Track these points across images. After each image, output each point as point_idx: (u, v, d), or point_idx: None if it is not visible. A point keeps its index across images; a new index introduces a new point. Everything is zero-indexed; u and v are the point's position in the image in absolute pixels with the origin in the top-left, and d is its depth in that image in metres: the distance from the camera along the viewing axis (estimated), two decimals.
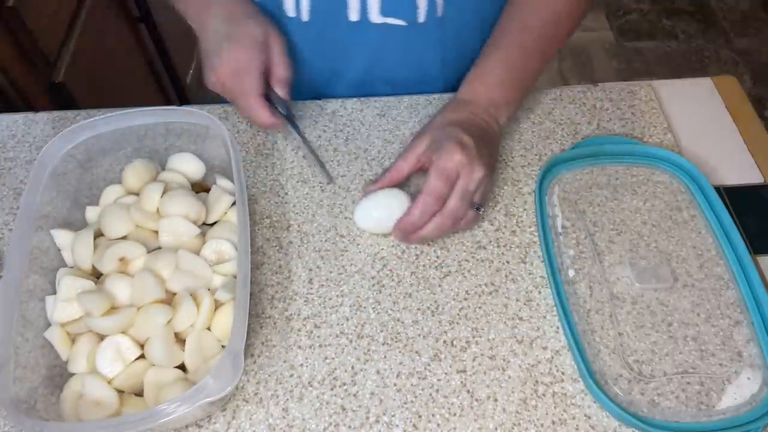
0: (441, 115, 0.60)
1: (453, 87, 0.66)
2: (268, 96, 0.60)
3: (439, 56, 0.71)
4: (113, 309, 0.50)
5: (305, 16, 0.65)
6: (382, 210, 0.57)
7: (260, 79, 0.59)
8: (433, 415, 0.49)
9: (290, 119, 0.62)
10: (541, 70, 0.64)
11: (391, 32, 0.66)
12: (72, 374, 0.50)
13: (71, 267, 0.55)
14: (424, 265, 0.57)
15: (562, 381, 0.51)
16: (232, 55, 0.58)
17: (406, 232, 0.55)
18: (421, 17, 0.65)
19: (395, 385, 0.51)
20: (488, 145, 0.57)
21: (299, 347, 0.53)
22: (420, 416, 0.49)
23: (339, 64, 0.71)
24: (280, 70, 0.60)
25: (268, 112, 0.59)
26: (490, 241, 0.59)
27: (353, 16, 0.65)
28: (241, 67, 0.58)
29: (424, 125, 0.61)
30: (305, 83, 0.73)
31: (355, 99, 0.70)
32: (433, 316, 0.54)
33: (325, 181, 0.63)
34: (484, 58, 0.63)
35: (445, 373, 0.51)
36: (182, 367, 0.49)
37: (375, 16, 0.65)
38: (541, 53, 0.63)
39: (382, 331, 0.54)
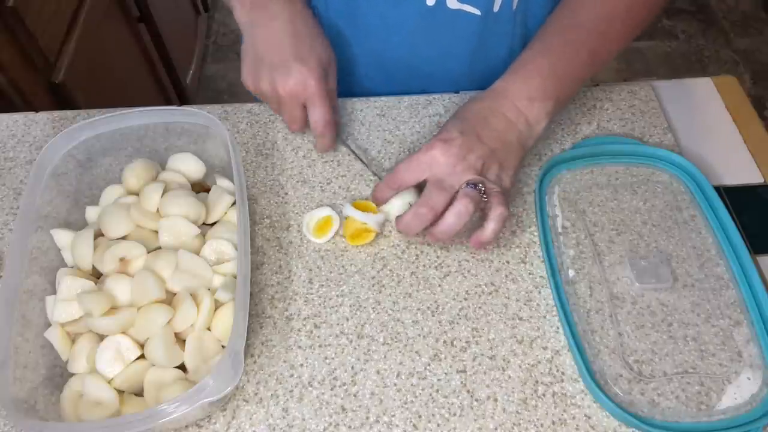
0: (462, 106, 0.58)
1: None
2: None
3: (506, 49, 0.70)
4: (113, 309, 0.50)
5: None
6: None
7: (327, 105, 0.59)
8: (433, 415, 0.49)
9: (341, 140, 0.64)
10: (591, 67, 0.60)
11: (463, 20, 0.66)
12: (72, 374, 0.50)
13: (71, 267, 0.55)
14: (424, 265, 0.57)
15: (562, 381, 0.51)
16: (299, 76, 0.57)
17: (408, 233, 0.55)
18: (496, 7, 0.65)
19: (395, 385, 0.51)
20: (492, 142, 0.54)
21: (299, 347, 0.53)
22: (420, 416, 0.49)
23: (404, 50, 0.70)
24: (334, 96, 0.61)
25: (334, 135, 0.61)
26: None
27: (430, 0, 0.64)
28: (304, 93, 0.58)
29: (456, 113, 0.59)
30: (365, 70, 0.73)
31: (355, 99, 0.70)
32: (433, 316, 0.54)
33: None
34: (526, 50, 0.59)
35: (445, 373, 0.51)
36: (182, 367, 0.49)
37: (452, 2, 0.64)
38: (590, 51, 0.59)
39: (382, 331, 0.54)
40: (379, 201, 0.57)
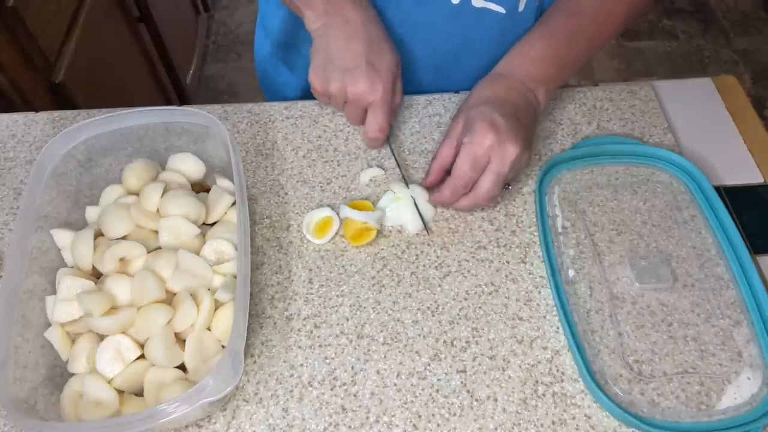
0: (475, 92, 0.60)
1: None
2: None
3: None
4: (113, 309, 0.50)
5: None
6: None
7: (387, 112, 0.60)
8: (433, 415, 0.49)
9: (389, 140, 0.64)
10: (587, 53, 0.64)
11: (488, 19, 0.66)
12: (72, 374, 0.50)
13: (71, 267, 0.55)
14: (424, 265, 0.57)
15: (562, 381, 0.51)
16: (369, 82, 0.58)
17: (442, 205, 0.60)
18: (521, 6, 0.65)
19: (395, 385, 0.51)
20: (524, 120, 0.57)
21: (299, 347, 0.53)
22: (420, 416, 0.49)
23: (427, 48, 0.70)
24: (397, 99, 0.62)
25: (384, 139, 0.62)
26: (490, 241, 0.59)
27: None
28: (370, 98, 0.59)
29: (460, 105, 0.61)
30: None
31: None
32: (433, 316, 0.54)
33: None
34: (528, 34, 0.63)
35: (445, 373, 0.51)
36: (182, 367, 0.49)
37: (477, 0, 0.64)
38: (589, 38, 0.63)
39: (382, 331, 0.54)
40: (450, 204, 0.59)
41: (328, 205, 0.61)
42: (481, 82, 0.61)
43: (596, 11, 0.62)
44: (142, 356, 0.49)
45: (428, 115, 0.69)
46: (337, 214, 0.60)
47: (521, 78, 0.60)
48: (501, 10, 0.65)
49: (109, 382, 0.48)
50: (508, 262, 0.58)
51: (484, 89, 0.60)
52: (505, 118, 0.55)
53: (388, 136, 0.63)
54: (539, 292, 0.56)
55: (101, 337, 0.49)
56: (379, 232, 0.59)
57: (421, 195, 0.61)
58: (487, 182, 0.55)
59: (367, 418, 0.49)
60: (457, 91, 0.71)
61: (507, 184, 0.58)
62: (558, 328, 0.53)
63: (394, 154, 0.64)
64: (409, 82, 0.71)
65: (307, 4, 0.60)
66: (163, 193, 0.55)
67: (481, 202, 0.57)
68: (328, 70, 0.59)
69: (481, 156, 0.55)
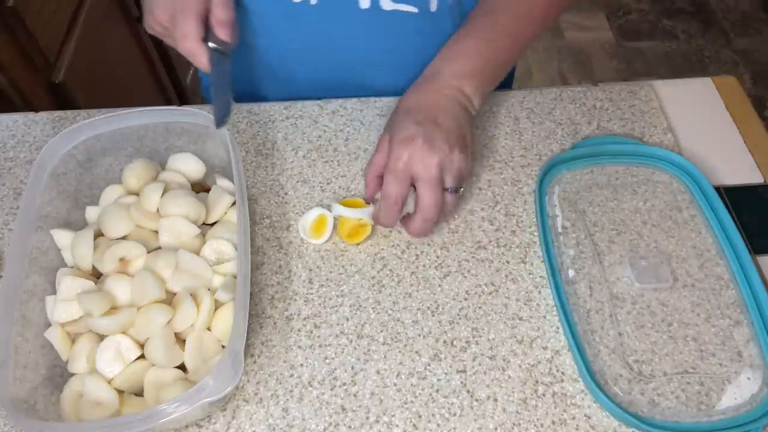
0: (401, 100, 0.59)
1: None
2: (209, 38, 0.56)
3: None
4: (113, 309, 0.50)
5: (313, 1, 0.64)
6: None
7: (197, 21, 0.55)
8: (433, 415, 0.49)
9: (224, 62, 0.57)
10: (514, 48, 0.62)
11: (403, 20, 0.66)
12: (72, 374, 0.50)
13: (71, 267, 0.55)
14: (424, 265, 0.57)
15: (562, 381, 0.51)
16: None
17: (388, 226, 0.58)
18: (433, 4, 0.65)
19: (395, 385, 0.51)
20: (446, 121, 0.55)
21: (299, 347, 0.53)
22: (420, 416, 0.49)
23: (347, 55, 0.70)
24: (219, 11, 0.56)
25: (206, 57, 0.56)
26: (490, 241, 0.59)
27: (364, 3, 0.64)
28: (178, 8, 0.55)
29: (397, 108, 0.59)
30: (310, 76, 0.72)
31: (355, 99, 0.70)
32: (433, 316, 0.54)
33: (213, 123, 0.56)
34: (453, 36, 0.61)
35: (445, 373, 0.51)
36: (182, 367, 0.49)
37: (386, 3, 0.64)
38: (512, 33, 0.61)
39: (382, 331, 0.54)
40: (390, 225, 0.57)
41: (322, 205, 0.61)
42: (410, 88, 0.60)
43: (517, 6, 0.61)
44: (142, 356, 0.49)
45: None
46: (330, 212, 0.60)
47: (447, 77, 0.58)
48: (413, 9, 0.65)
49: (109, 382, 0.48)
50: (508, 262, 0.58)
51: (408, 97, 0.58)
52: (421, 126, 0.54)
53: (227, 63, 0.57)
54: (539, 292, 0.56)
55: (101, 337, 0.49)
56: (375, 229, 0.59)
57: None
58: (424, 193, 0.53)
59: (367, 418, 0.49)
60: None
61: (457, 188, 0.55)
62: (558, 328, 0.53)
63: (215, 83, 0.57)
64: (336, 89, 0.71)
65: None
66: (163, 193, 0.55)
67: (430, 216, 0.54)
68: (145, 8, 0.58)
69: (401, 170, 0.53)
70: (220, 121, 0.56)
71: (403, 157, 0.53)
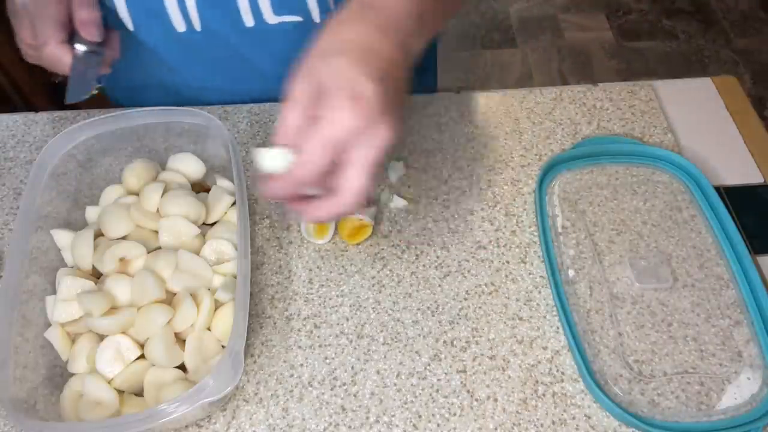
0: (331, 29, 0.42)
1: None
2: (75, 40, 0.55)
3: None
4: (113, 309, 0.50)
5: (197, 27, 0.62)
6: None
7: (56, 25, 0.53)
8: (433, 415, 0.49)
9: (94, 60, 0.55)
10: (437, 14, 0.48)
11: (290, 32, 0.63)
12: (72, 374, 0.50)
13: (71, 267, 0.55)
14: (424, 265, 0.57)
15: (562, 381, 0.51)
16: (28, 9, 0.53)
17: (279, 199, 0.44)
18: (315, 11, 0.62)
19: (395, 385, 0.51)
20: (398, 84, 0.41)
21: (299, 347, 0.53)
22: (420, 416, 0.49)
23: (242, 73, 0.68)
24: (82, 12, 0.53)
25: (69, 59, 0.54)
26: (490, 241, 0.59)
27: (248, 21, 0.62)
28: (36, 18, 0.53)
29: (310, 50, 0.42)
30: (216, 95, 0.70)
31: None
32: (433, 316, 0.54)
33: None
34: None
35: (445, 373, 0.51)
36: (182, 367, 0.49)
37: (270, 17, 0.62)
38: None
39: (382, 331, 0.54)
40: (286, 200, 0.43)
41: None
42: (340, 13, 0.43)
43: None
44: (142, 356, 0.49)
45: (427, 115, 0.69)
46: None
47: (394, 15, 0.42)
48: (297, 18, 0.63)
49: (109, 382, 0.48)
50: (508, 262, 0.58)
51: (345, 27, 0.42)
52: (376, 84, 0.39)
53: (96, 62, 0.56)
54: (539, 292, 0.56)
55: (101, 337, 0.49)
56: (375, 229, 0.59)
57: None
58: (355, 178, 0.39)
59: (367, 418, 0.49)
60: (458, 91, 0.71)
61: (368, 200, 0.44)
62: (558, 328, 0.53)
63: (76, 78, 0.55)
64: (245, 96, 0.70)
65: None
66: (163, 193, 0.55)
67: (346, 208, 0.41)
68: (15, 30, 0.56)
69: (339, 141, 0.38)
70: (72, 97, 0.54)
71: (346, 122, 0.38)
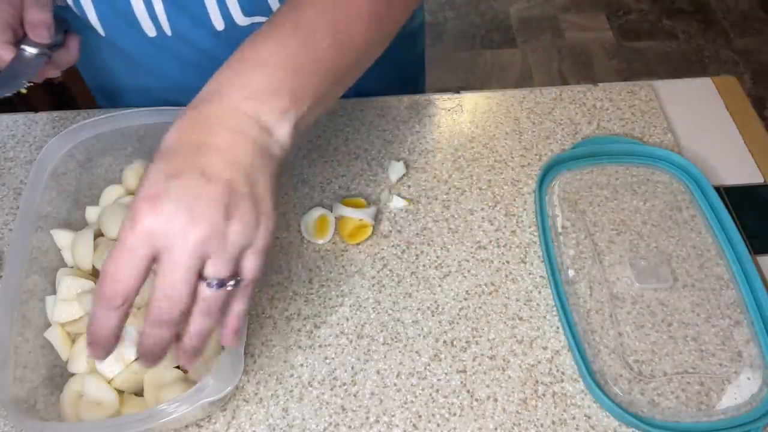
0: (166, 135, 0.39)
1: None
2: (24, 42, 0.54)
3: None
4: None
5: (168, 32, 0.61)
6: None
7: (1, 29, 0.52)
8: (433, 415, 0.49)
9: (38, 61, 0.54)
10: (336, 51, 0.44)
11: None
12: (72, 374, 0.50)
13: (71, 267, 0.55)
14: (424, 265, 0.57)
15: (562, 381, 0.51)
16: None
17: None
18: None
19: (395, 385, 0.51)
20: (226, 171, 0.36)
21: (299, 347, 0.53)
22: (420, 416, 0.49)
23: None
24: (33, 13, 0.52)
25: (8, 58, 0.53)
26: (490, 241, 0.59)
27: (218, 24, 0.60)
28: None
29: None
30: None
31: (355, 99, 0.70)
32: (433, 316, 0.54)
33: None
34: (246, 41, 0.42)
35: (445, 373, 0.51)
36: (182, 367, 0.49)
37: (240, 18, 0.60)
38: (331, 31, 0.43)
39: (382, 331, 0.54)
40: (102, 341, 0.39)
41: (323, 205, 0.61)
42: (178, 115, 0.40)
43: None
44: None
45: (428, 115, 0.69)
46: (331, 212, 0.60)
47: (231, 99, 0.39)
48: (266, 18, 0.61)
49: (109, 382, 0.48)
50: (508, 262, 0.58)
51: (177, 126, 0.39)
52: (177, 180, 0.35)
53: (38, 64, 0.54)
54: (539, 292, 0.56)
55: None
56: (375, 229, 0.59)
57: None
58: (161, 283, 0.36)
59: (367, 418, 0.49)
60: (458, 91, 0.71)
61: (224, 280, 0.36)
62: (558, 328, 0.53)
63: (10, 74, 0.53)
64: None
65: None
66: None
67: (163, 318, 0.37)
68: None
69: (138, 244, 0.34)
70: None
71: (144, 225, 0.34)
